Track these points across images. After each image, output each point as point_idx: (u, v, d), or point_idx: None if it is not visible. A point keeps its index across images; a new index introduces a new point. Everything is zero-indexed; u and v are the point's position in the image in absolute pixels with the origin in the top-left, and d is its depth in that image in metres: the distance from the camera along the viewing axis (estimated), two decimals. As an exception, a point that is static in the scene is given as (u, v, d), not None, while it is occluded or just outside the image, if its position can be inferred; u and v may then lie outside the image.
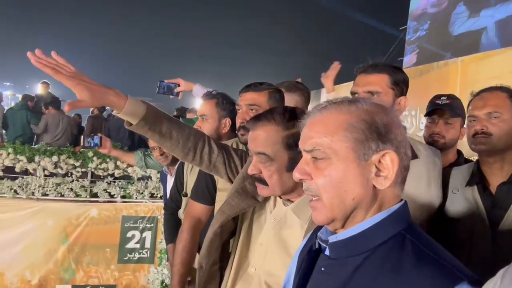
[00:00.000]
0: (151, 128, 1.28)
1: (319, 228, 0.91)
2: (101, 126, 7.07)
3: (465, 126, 1.86)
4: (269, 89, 1.77)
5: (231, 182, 1.51)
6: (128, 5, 32.06)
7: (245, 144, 1.76)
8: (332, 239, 0.81)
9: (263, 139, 1.21)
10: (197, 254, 2.11)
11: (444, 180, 1.59)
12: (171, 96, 2.65)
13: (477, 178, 1.52)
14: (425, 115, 2.17)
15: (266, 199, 1.35)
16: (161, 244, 4.05)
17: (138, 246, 4.37)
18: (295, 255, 0.99)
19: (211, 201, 1.89)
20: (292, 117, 1.21)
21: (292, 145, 1.17)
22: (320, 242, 0.85)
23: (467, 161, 2.11)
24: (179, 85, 2.62)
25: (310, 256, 0.88)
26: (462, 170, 1.63)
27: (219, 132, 2.18)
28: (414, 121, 5.66)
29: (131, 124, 1.26)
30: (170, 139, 1.34)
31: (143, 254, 4.39)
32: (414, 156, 1.48)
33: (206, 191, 1.89)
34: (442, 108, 2.05)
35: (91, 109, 8.18)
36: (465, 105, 1.78)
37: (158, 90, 2.61)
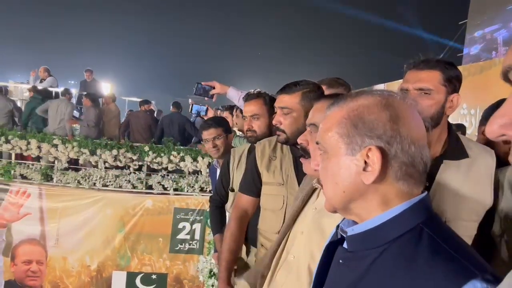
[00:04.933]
0: None
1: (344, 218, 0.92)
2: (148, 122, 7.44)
3: None
4: (303, 90, 1.76)
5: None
6: (173, 6, 32.94)
7: (283, 143, 1.82)
8: (349, 231, 0.82)
9: (315, 112, 1.31)
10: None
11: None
12: (206, 98, 2.80)
13: None
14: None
15: (314, 194, 1.38)
16: (210, 236, 4.19)
17: (188, 237, 4.55)
18: (323, 246, 0.99)
19: (257, 194, 1.95)
20: None
21: None
22: (341, 233, 0.86)
23: None
24: (214, 88, 2.76)
25: (332, 248, 0.89)
26: None
27: (271, 128, 2.23)
28: (473, 121, 5.37)
29: None
30: None
31: (193, 245, 4.56)
32: (465, 155, 1.44)
33: (252, 184, 1.96)
34: None
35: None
36: None
37: (195, 91, 2.78)
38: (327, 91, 1.91)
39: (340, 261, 0.84)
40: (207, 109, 3.31)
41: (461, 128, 4.57)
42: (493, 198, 1.48)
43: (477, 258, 0.71)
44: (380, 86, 9.80)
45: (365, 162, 0.76)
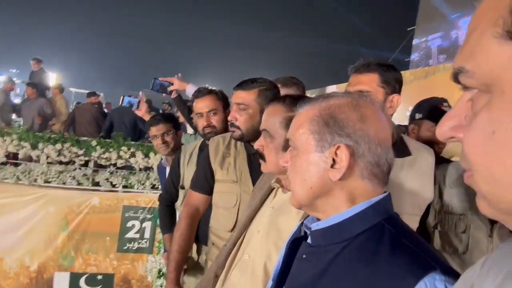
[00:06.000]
0: None
1: (308, 216, 0.93)
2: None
3: None
4: (260, 87, 1.76)
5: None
6: (134, 2, 32.07)
7: (238, 139, 1.82)
8: (314, 227, 0.84)
9: (267, 116, 1.34)
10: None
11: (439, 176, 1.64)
12: (163, 94, 2.73)
13: None
14: (427, 118, 2.15)
15: (271, 194, 1.38)
16: (160, 234, 4.08)
17: (137, 236, 4.40)
18: (285, 243, 1.00)
19: (209, 191, 1.91)
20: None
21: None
22: (305, 230, 0.88)
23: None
24: (172, 84, 2.70)
25: (295, 244, 0.91)
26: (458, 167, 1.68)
27: (227, 124, 2.21)
28: (418, 123, 5.62)
29: None
30: None
31: (142, 244, 4.42)
32: (407, 153, 1.52)
33: (205, 181, 1.92)
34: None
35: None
36: None
37: (152, 87, 2.69)
38: (281, 90, 1.92)
39: (304, 256, 0.86)
40: (139, 102, 3.15)
41: (407, 128, 4.77)
42: (433, 194, 1.59)
43: (434, 253, 0.75)
44: (333, 88, 10.06)
45: (333, 160, 0.79)
